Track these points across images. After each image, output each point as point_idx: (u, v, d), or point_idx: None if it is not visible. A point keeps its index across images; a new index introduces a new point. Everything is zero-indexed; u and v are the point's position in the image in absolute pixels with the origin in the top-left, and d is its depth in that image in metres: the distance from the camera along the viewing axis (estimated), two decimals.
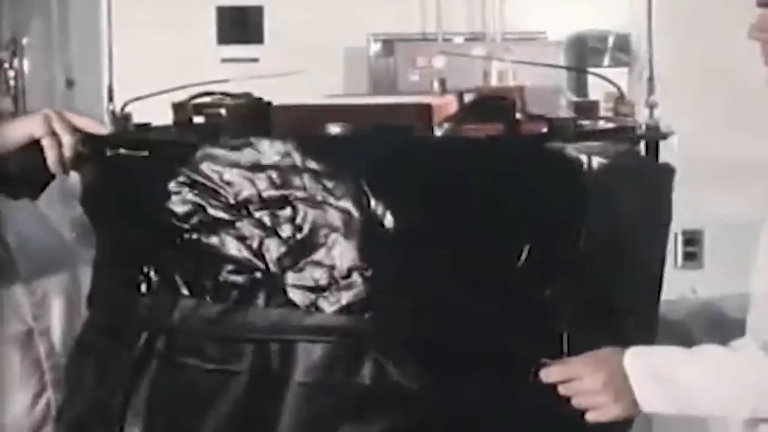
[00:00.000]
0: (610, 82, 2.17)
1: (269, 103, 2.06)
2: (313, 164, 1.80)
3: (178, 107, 2.04)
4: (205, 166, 1.85)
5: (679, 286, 3.23)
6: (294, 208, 1.82)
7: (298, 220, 1.82)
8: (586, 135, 2.01)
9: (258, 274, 1.83)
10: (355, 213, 1.80)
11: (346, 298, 1.80)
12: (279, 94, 2.06)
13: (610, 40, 4.68)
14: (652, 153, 2.08)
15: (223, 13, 4.57)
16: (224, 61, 4.45)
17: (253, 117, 2.01)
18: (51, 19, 5.38)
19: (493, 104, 2.03)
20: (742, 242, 2.12)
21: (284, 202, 1.82)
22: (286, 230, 1.82)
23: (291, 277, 1.82)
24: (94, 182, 1.94)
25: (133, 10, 3.99)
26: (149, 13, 4.36)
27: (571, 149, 1.90)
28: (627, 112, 2.11)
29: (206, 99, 2.03)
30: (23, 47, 6.06)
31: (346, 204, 1.80)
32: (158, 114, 2.05)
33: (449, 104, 2.08)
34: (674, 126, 2.07)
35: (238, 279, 1.85)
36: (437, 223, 1.81)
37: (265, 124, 1.99)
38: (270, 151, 1.82)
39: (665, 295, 2.10)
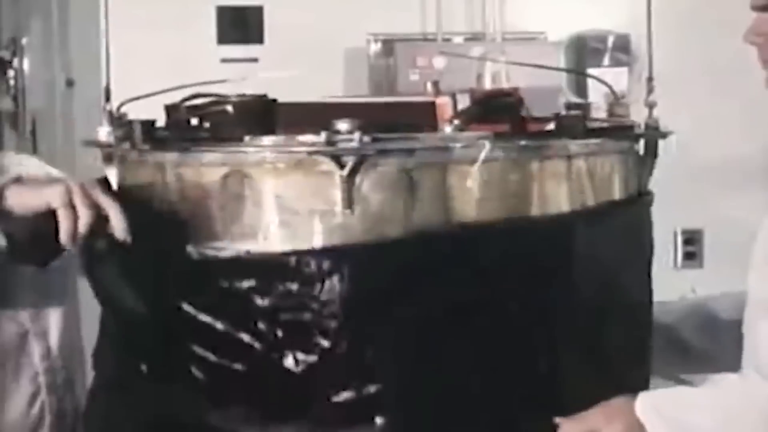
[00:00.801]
0: (603, 82, 2.16)
1: (275, 101, 2.04)
2: (306, 269, 1.76)
3: (171, 109, 2.01)
4: (195, 267, 1.82)
5: (678, 286, 3.22)
6: (289, 318, 1.78)
7: (295, 330, 1.78)
8: (587, 134, 2.01)
9: (255, 383, 1.80)
10: (354, 324, 1.76)
11: (352, 404, 1.77)
12: (278, 94, 2.05)
13: (610, 41, 4.67)
14: (652, 153, 2.08)
15: (222, 12, 4.56)
16: (224, 61, 4.44)
17: (259, 114, 1.99)
18: (51, 19, 5.37)
19: (500, 102, 2.02)
20: (742, 242, 2.12)
21: (278, 311, 1.79)
22: (282, 341, 1.79)
23: (292, 386, 1.79)
24: (99, 256, 1.90)
25: (132, 9, 3.99)
26: (149, 13, 4.35)
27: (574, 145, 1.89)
28: (622, 113, 2.10)
29: (202, 100, 2.01)
30: (23, 47, 6.07)
31: (344, 314, 1.76)
32: (157, 114, 2.04)
33: (445, 105, 2.07)
34: (674, 126, 2.07)
35: (233, 387, 1.81)
36: (447, 328, 1.79)
37: (271, 122, 1.98)
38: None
39: (660, 296, 2.10)
